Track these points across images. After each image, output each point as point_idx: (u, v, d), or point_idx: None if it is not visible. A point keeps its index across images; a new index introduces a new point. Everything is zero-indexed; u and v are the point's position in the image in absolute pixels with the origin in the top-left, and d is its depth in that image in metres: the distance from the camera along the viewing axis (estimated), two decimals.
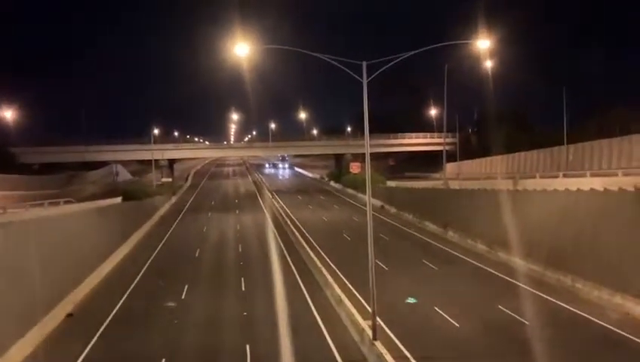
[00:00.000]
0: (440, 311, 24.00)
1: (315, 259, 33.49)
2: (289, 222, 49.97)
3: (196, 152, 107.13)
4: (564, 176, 43.09)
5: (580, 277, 26.12)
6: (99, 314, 25.37)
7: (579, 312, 23.36)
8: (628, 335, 20.50)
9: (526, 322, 22.20)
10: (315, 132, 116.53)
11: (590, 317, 22.64)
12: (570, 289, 26.28)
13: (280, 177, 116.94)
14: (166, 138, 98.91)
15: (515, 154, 65.25)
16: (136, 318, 24.93)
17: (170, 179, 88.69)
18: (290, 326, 22.69)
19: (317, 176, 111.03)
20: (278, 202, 67.98)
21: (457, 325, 22.31)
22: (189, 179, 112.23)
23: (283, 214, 56.31)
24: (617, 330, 21.06)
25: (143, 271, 34.60)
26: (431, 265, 33.63)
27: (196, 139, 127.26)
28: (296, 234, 43.25)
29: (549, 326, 21.70)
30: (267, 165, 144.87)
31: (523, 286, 27.68)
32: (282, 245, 40.90)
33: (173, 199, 75.56)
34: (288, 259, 36.15)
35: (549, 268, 28.62)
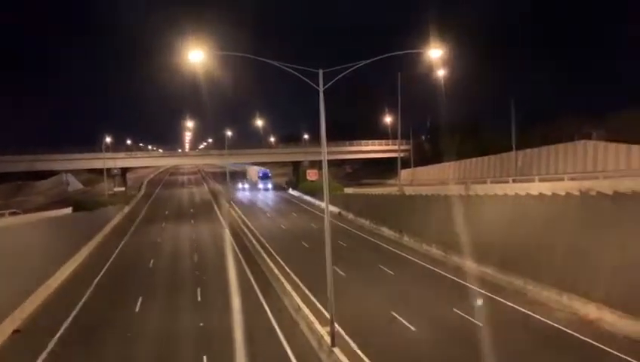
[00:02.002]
0: (397, 316, 24.26)
1: (273, 267, 33.27)
2: (246, 231, 49.52)
3: (150, 161, 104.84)
4: (514, 181, 44.52)
5: (530, 279, 26.99)
6: (48, 329, 24.38)
7: (529, 313, 24.11)
8: (575, 334, 21.31)
9: (480, 324, 22.73)
10: (272, 139, 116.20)
11: (540, 318, 23.40)
12: (521, 291, 27.10)
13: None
14: (118, 146, 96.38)
15: (467, 161, 67.08)
16: (87, 332, 24.06)
17: (122, 189, 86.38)
18: (247, 335, 22.44)
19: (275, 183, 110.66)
20: (236, 211, 67.28)
21: (414, 329, 22.60)
22: (143, 188, 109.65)
23: (240, 223, 55.75)
24: (565, 329, 21.86)
25: (95, 283, 33.50)
26: (387, 269, 33.99)
27: (150, 147, 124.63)
28: (254, 242, 42.90)
29: (502, 327, 22.28)
30: (240, 185, 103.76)
31: (477, 288, 28.36)
32: (239, 254, 40.46)
33: (126, 209, 73.61)
34: (246, 268, 35.78)
35: (501, 271, 29.44)
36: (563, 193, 31.42)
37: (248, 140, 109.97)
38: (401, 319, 23.83)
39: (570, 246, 26.95)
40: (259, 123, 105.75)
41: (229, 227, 54.50)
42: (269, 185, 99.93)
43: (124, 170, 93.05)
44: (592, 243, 25.69)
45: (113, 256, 42.78)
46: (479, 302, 25.76)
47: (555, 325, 22.42)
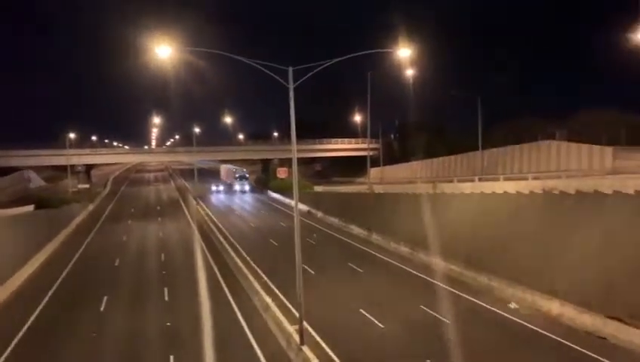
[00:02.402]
0: (365, 313, 24.41)
1: (242, 265, 33.04)
2: (215, 229, 49.01)
3: (115, 157, 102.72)
4: (480, 180, 45.31)
5: (495, 276, 27.54)
6: (9, 329, 23.64)
7: (494, 309, 24.61)
8: (538, 330, 21.87)
9: (446, 321, 23.08)
10: (241, 137, 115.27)
11: (505, 314, 23.91)
12: (487, 288, 27.64)
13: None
14: (83, 142, 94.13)
15: (434, 160, 67.98)
16: (50, 333, 23.41)
17: (87, 186, 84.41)
18: (215, 334, 22.21)
19: None
20: (204, 209, 66.54)
21: (382, 326, 22.78)
22: (108, 185, 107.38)
23: (208, 221, 55.14)
24: (529, 325, 22.40)
25: (58, 283, 32.62)
26: (356, 267, 34.16)
27: (115, 143, 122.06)
28: (222, 241, 42.49)
29: (468, 323, 22.68)
30: (214, 186, 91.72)
31: (443, 285, 28.78)
32: (208, 253, 40.03)
33: (91, 207, 71.93)
34: (214, 266, 35.43)
35: (468, 268, 29.95)
36: (527, 192, 32.18)
37: (217, 137, 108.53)
38: (369, 316, 23.98)
39: (534, 243, 27.62)
40: (228, 120, 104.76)
41: (196, 225, 53.87)
42: (247, 187, 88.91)
43: (89, 167, 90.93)
44: (555, 241, 26.39)
45: (77, 254, 41.75)
46: (446, 299, 26.12)
47: (520, 321, 22.94)
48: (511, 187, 35.10)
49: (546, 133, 48.93)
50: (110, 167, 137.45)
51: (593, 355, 19.00)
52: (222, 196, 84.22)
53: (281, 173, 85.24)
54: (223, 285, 30.50)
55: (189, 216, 60.85)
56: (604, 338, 20.17)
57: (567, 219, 26.66)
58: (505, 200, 33.11)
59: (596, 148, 39.91)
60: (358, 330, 22.46)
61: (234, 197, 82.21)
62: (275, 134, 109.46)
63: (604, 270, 22.78)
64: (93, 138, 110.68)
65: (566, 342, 20.31)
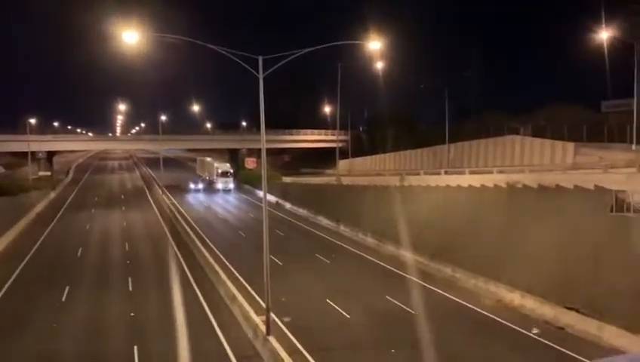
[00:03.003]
0: (332, 303, 24.62)
1: (208, 256, 32.80)
2: (181, 219, 48.40)
3: (78, 144, 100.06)
4: (446, 173, 45.98)
5: (459, 268, 28.14)
6: None
7: (458, 300, 25.17)
8: (499, 319, 22.49)
9: (411, 311, 23.49)
10: (209, 126, 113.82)
11: (468, 305, 24.49)
12: (451, 279, 28.22)
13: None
14: (44, 128, 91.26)
15: (402, 152, 68.58)
16: (9, 324, 22.78)
17: (48, 173, 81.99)
18: (181, 324, 22.03)
19: None
20: (169, 198, 65.61)
21: (348, 316, 23.03)
22: (70, 173, 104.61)
23: (174, 210, 54.42)
24: (491, 315, 23.01)
25: (16, 273, 31.70)
26: (324, 258, 34.36)
27: (78, 130, 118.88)
28: (189, 231, 42.04)
29: (433, 313, 23.14)
30: (192, 184, 75.86)
31: (409, 276, 29.24)
32: (173, 243, 39.55)
33: (53, 194, 70.01)
34: (180, 257, 35.05)
35: (433, 260, 30.50)
36: (491, 185, 32.92)
37: (184, 126, 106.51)
38: (336, 306, 24.19)
39: (497, 236, 28.32)
40: (195, 108, 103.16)
41: (162, 215, 53.11)
42: (231, 185, 73.88)
43: (51, 154, 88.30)
44: (517, 234, 27.12)
45: (37, 244, 40.64)
46: (411, 289, 26.56)
47: (482, 311, 23.53)
48: (476, 180, 35.83)
49: (511, 128, 49.99)
50: (73, 155, 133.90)
51: (549, 343, 19.67)
52: (203, 197, 77.41)
53: (250, 163, 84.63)
54: (189, 275, 30.23)
55: (154, 206, 59.94)
56: (563, 328, 20.89)
57: (529, 213, 27.40)
58: (470, 194, 33.78)
59: (558, 143, 40.95)
60: (324, 320, 22.64)
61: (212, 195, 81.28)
62: (244, 124, 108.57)
63: (564, 262, 23.56)
64: (55, 124, 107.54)
65: (525, 331, 20.95)
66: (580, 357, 18.40)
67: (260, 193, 62.36)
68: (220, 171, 75.26)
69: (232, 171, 76.34)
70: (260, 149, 19.86)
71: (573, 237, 23.90)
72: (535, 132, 45.73)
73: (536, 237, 25.85)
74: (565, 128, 40.90)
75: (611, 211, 23.70)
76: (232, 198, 67.58)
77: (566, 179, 28.46)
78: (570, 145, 39.56)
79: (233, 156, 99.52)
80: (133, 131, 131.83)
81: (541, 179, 30.22)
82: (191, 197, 68.04)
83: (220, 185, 74.11)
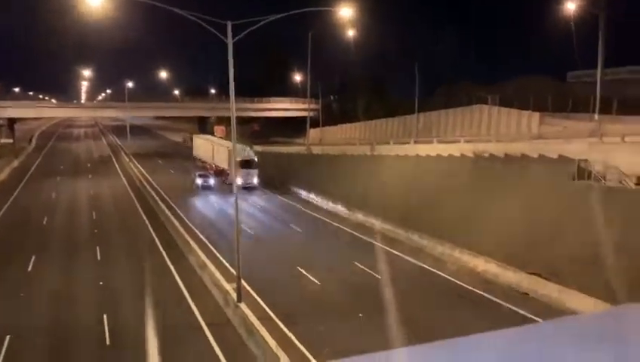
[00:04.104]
0: (302, 271, 24.87)
1: (177, 224, 32.56)
2: (149, 188, 47.70)
3: (41, 111, 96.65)
4: (415, 142, 46.46)
5: (426, 235, 28.66)
6: None
7: (424, 266, 25.76)
8: (463, 284, 23.17)
9: (378, 276, 23.94)
10: (177, 93, 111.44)
11: (433, 270, 25.10)
12: (418, 246, 28.77)
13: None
14: (4, 94, 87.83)
15: (373, 122, 68.77)
16: None
17: (10, 141, 79.38)
18: (150, 293, 21.92)
19: (179, 139, 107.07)
20: (137, 167, 64.43)
21: (318, 283, 23.34)
22: (34, 140, 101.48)
23: (142, 179, 53.56)
24: (455, 280, 23.66)
25: None
26: (295, 227, 34.55)
27: (41, 96, 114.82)
28: (157, 199, 41.53)
29: (400, 279, 23.64)
30: (199, 179, 50.19)
31: (378, 244, 29.68)
32: (142, 211, 39.06)
33: (16, 163, 67.91)
34: (148, 225, 34.69)
35: (401, 227, 30.97)
36: (459, 154, 33.40)
37: (151, 93, 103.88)
38: (306, 274, 24.46)
39: (463, 204, 28.90)
40: (163, 75, 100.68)
41: (129, 183, 52.24)
42: (255, 180, 49.09)
43: (12, 121, 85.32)
44: (482, 202, 27.71)
45: (0, 213, 39.55)
46: (379, 256, 27.00)
47: (448, 277, 24.16)
48: (444, 150, 36.29)
49: (480, 98, 50.48)
50: (36, 122, 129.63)
51: (513, 307, 20.39)
52: (148, 147, 75.18)
53: (219, 131, 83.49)
54: (159, 244, 30.00)
55: (121, 173, 58.88)
56: (527, 294, 21.65)
57: (495, 181, 27.98)
58: (438, 163, 34.23)
59: (525, 113, 41.65)
60: (295, 287, 22.90)
61: (170, 160, 79.93)
62: (213, 91, 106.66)
63: (527, 229, 24.26)
64: (17, 90, 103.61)
65: (489, 296, 21.63)
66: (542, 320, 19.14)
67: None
68: (240, 160, 45.97)
69: (255, 159, 50.05)
70: (229, 117, 19.56)
71: (537, 205, 24.57)
72: (503, 103, 46.32)
73: (501, 205, 26.48)
74: (532, 99, 41.53)
75: (574, 179, 24.39)
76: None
77: (531, 149, 29.08)
78: (536, 115, 40.30)
79: (202, 124, 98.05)
80: (99, 98, 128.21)
81: (507, 148, 30.81)
82: (155, 162, 66.87)
83: (239, 180, 40.92)
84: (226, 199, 42.64)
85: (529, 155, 27.74)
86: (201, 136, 70.26)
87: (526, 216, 24.82)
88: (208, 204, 42.47)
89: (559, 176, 24.94)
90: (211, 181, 49.14)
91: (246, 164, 47.80)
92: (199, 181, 48.94)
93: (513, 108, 43.41)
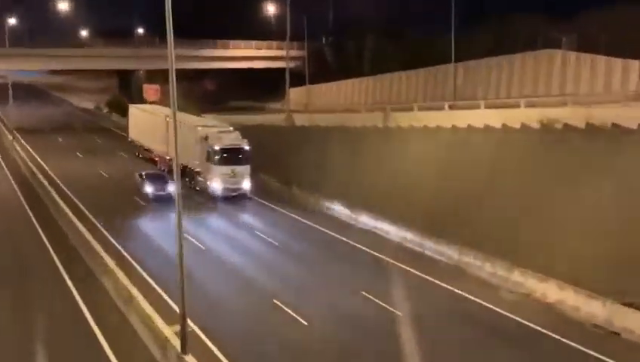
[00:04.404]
0: (281, 305, 24.80)
1: (88, 235, 32.41)
2: (43, 180, 47.31)
3: None
4: (451, 107, 46.43)
5: (468, 248, 28.65)
6: None
7: (467, 295, 25.75)
8: (530, 324, 23.18)
9: (398, 313, 23.90)
10: (85, 34, 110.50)
11: (480, 301, 25.11)
12: (456, 264, 28.77)
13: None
14: None
15: (386, 76, 68.64)
16: None
17: None
18: (46, 339, 21.76)
19: (90, 105, 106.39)
20: (26, 148, 64.10)
21: (305, 323, 23.28)
22: None
23: (33, 167, 53.21)
24: (519, 319, 23.67)
25: None
26: (268, 238, 34.56)
27: None
28: (56, 197, 41.24)
29: (427, 317, 23.61)
30: (149, 187, 44.06)
31: (394, 262, 29.66)
32: (32, 215, 38.90)
33: None
34: (43, 236, 34.50)
35: (429, 237, 30.96)
36: (518, 125, 33.43)
37: (46, 35, 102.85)
38: (287, 309, 24.40)
39: (522, 204, 28.94)
40: (63, 7, 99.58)
41: (13, 173, 52.09)
42: (245, 184, 44.58)
43: None
44: (554, 199, 27.75)
45: None
46: (397, 281, 27.00)
47: (503, 312, 24.19)
48: (495, 118, 36.28)
49: (548, 39, 50.50)
50: None
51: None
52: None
53: (151, 93, 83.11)
54: (58, 264, 29.84)
55: (1, 161, 58.65)
56: (618, 334, 21.73)
57: (573, 167, 28.00)
58: (486, 139, 34.24)
59: (617, 61, 41.73)
60: (269, 329, 22.81)
61: (77, 136, 79.39)
62: (140, 31, 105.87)
63: (621, 239, 24.32)
64: None
65: (568, 342, 21.67)
66: None
67: None
68: (219, 148, 43.95)
69: (246, 148, 44.61)
70: (166, 71, 19.37)
71: (637, 202, 24.61)
72: (584, 46, 46.36)
73: (580, 206, 26.53)
74: (629, 40, 41.59)
75: None
76: (123, 148, 66.59)
77: (629, 116, 29.11)
78: (635, 65, 40.38)
79: (125, 81, 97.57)
80: None
81: (591, 115, 30.83)
82: (54, 139, 66.33)
83: (218, 184, 43.70)
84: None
85: (625, 126, 27.80)
86: (143, 106, 65.76)
87: (620, 219, 24.88)
88: (135, 205, 42.27)
89: None
90: (169, 187, 41.68)
91: (230, 157, 43.17)
92: (149, 188, 42.81)
93: (600, 55, 43.47)
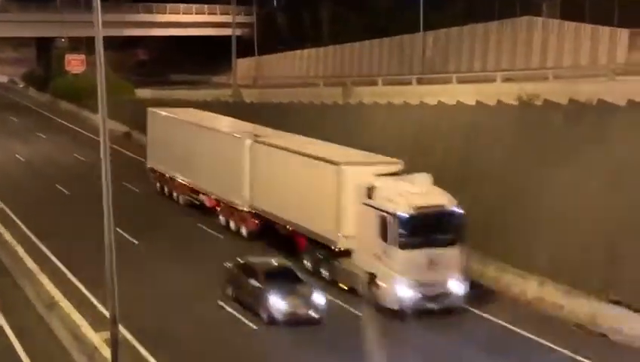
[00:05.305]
0: (228, 308, 24.98)
1: (3, 230, 32.14)
2: None
3: None
4: (420, 81, 46.68)
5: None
6: None
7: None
8: (507, 325, 23.53)
9: (356, 312, 23.99)
10: None
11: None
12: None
13: None
14: None
15: (346, 46, 68.65)
16: None
17: None
18: None
19: (3, 78, 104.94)
20: None
21: (255, 327, 23.43)
22: None
23: None
24: (501, 322, 23.97)
25: None
26: (214, 231, 34.70)
27: None
28: None
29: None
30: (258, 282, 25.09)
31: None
32: None
33: None
34: None
35: None
36: (493, 102, 33.70)
37: None
38: (233, 311, 24.53)
39: (502, 192, 29.23)
40: None
41: None
42: (455, 286, 25.64)
43: None
44: (535, 189, 28.03)
45: None
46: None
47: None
48: (469, 94, 36.56)
49: (528, 5, 50.94)
50: None
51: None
52: None
53: (74, 64, 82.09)
54: None
55: None
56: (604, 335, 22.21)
57: (554, 150, 28.33)
58: (458, 117, 34.48)
59: (604, 30, 42.27)
60: (216, 335, 22.92)
61: None
62: None
63: (608, 231, 24.73)
64: None
65: (547, 344, 22.09)
66: None
67: (95, 117, 60.64)
68: (404, 216, 25.33)
69: (458, 212, 25.94)
70: (92, 39, 19.15)
71: (624, 190, 24.98)
72: (566, 11, 46.87)
73: (561, 189, 26.86)
74: (616, 7, 42.22)
75: None
76: (45, 130, 65.90)
77: (615, 90, 29.54)
78: (624, 35, 40.98)
79: (43, 51, 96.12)
80: None
81: (574, 89, 31.23)
82: None
83: (402, 289, 25.22)
84: None
85: (611, 102, 28.17)
86: (183, 114, 45.72)
87: (604, 208, 25.26)
88: (58, 195, 41.83)
89: None
90: (317, 298, 24.59)
91: (428, 231, 25.92)
92: (276, 301, 23.75)
93: (584, 23, 44.00)
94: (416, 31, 55.40)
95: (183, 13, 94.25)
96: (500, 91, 35.39)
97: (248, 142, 34.21)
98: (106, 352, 18.70)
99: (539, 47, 46.56)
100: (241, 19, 76.88)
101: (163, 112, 46.10)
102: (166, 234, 33.91)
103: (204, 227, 35.48)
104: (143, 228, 34.49)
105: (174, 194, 40.51)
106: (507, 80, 39.33)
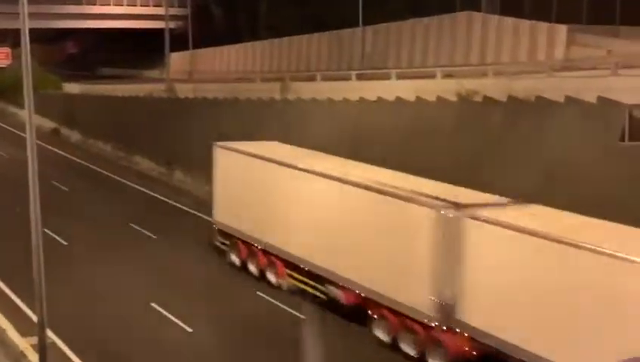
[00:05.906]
0: (160, 309, 24.97)
1: None
2: None
3: None
4: (359, 77, 46.95)
5: None
6: None
7: None
8: None
9: (296, 314, 24.21)
10: None
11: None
12: None
13: None
14: None
15: (284, 40, 68.67)
16: None
17: None
18: None
19: None
20: None
21: (190, 329, 23.44)
22: None
23: None
24: None
25: None
26: (145, 231, 34.61)
27: None
28: None
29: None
30: None
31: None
32: None
33: None
34: None
35: None
36: (433, 98, 34.17)
37: None
38: (166, 313, 24.50)
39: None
40: None
41: None
42: None
43: None
44: (482, 186, 28.50)
45: None
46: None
47: None
48: (408, 90, 36.94)
49: (469, 0, 51.46)
50: None
51: None
52: None
53: (0, 56, 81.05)
54: None
55: None
56: None
57: (493, 147, 28.83)
58: (397, 113, 34.87)
59: (543, 26, 42.98)
60: (145, 338, 22.92)
61: None
62: None
63: None
64: None
65: None
66: None
67: (22, 113, 59.76)
68: None
69: None
70: (17, 31, 18.95)
71: (567, 189, 25.50)
72: (506, 7, 47.53)
73: (505, 190, 27.34)
74: (554, 2, 42.96)
75: (622, 140, 25.45)
76: None
77: (553, 86, 30.15)
78: (562, 30, 41.78)
79: None
80: None
81: (513, 86, 31.74)
82: None
83: None
84: None
85: (549, 98, 28.76)
86: (279, 152, 31.07)
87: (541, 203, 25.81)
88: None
89: (598, 132, 26.00)
90: None
91: None
92: None
93: (523, 19, 44.72)
94: (356, 25, 55.65)
95: (114, 5, 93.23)
96: (440, 88, 35.78)
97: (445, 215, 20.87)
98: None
99: (478, 43, 47.19)
100: (174, 11, 76.43)
101: (242, 150, 31.03)
102: None
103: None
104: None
105: (270, 277, 27.78)
106: (447, 76, 39.80)
